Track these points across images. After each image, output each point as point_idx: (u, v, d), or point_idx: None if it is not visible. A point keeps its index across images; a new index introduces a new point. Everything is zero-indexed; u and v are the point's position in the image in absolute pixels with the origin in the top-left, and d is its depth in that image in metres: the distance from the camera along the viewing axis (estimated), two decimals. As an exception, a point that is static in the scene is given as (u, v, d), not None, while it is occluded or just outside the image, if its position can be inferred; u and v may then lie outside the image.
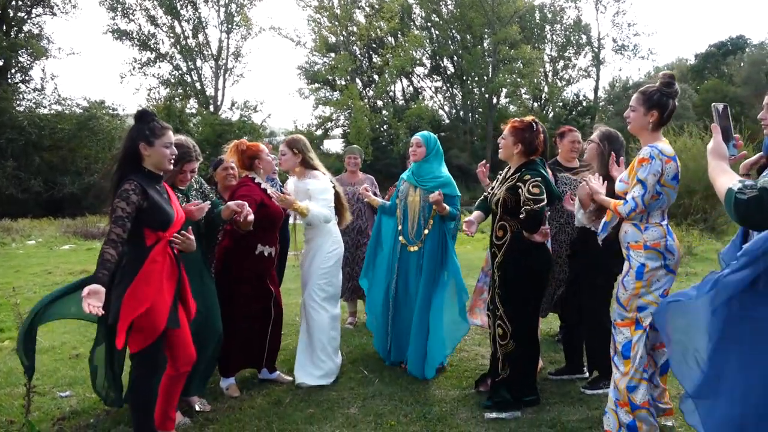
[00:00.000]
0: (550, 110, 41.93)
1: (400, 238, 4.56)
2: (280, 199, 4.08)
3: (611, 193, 3.59)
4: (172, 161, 3.09)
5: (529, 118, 3.77)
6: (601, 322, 3.93)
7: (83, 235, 17.15)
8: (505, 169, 3.89)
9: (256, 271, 4.11)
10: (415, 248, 4.47)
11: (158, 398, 3.19)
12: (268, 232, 4.12)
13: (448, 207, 4.29)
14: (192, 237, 3.20)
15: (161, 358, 3.09)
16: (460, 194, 4.59)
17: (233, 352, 4.10)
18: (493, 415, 3.62)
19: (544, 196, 3.54)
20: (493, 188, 3.95)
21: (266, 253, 4.13)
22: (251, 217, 3.64)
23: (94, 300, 2.61)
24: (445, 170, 4.55)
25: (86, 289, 2.62)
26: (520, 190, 3.59)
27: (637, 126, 3.18)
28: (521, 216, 3.55)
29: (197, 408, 3.79)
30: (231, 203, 3.60)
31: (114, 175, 3.00)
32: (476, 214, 4.02)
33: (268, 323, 4.22)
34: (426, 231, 4.43)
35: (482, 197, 4.13)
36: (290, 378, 4.34)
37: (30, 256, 12.93)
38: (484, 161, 4.67)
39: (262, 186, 4.16)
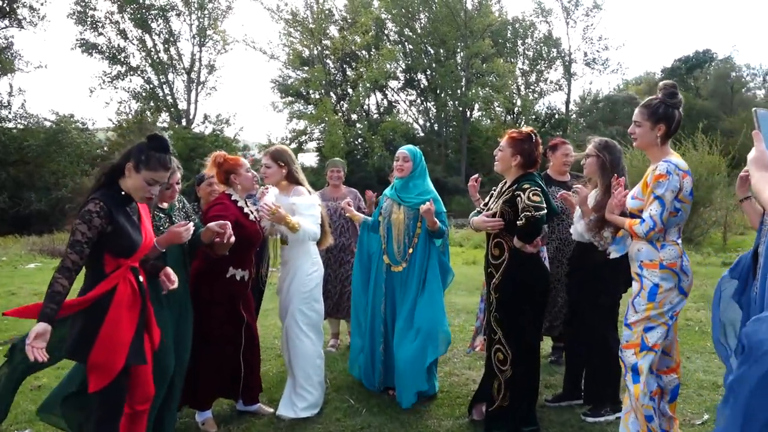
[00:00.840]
0: (522, 123, 42.20)
1: (385, 257, 4.32)
2: (271, 212, 3.72)
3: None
4: (148, 198, 2.80)
5: (527, 129, 3.57)
6: (605, 345, 3.72)
7: (50, 253, 16.58)
8: (500, 184, 3.69)
9: (227, 293, 3.77)
10: (400, 268, 4.23)
11: None
12: (241, 255, 3.76)
13: (438, 222, 4.07)
14: (174, 280, 3.02)
15: (123, 399, 2.76)
16: (445, 210, 4.36)
17: (204, 382, 3.75)
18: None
19: (545, 205, 3.32)
20: (486, 204, 3.75)
21: (238, 277, 3.79)
22: (233, 239, 3.36)
23: (39, 342, 2.36)
24: (430, 185, 4.34)
25: (32, 332, 2.37)
26: (518, 199, 3.36)
27: (645, 142, 3.03)
28: (519, 222, 3.29)
29: None
30: (212, 224, 3.31)
31: (93, 184, 2.76)
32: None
33: (240, 349, 3.88)
34: (410, 250, 4.20)
35: (476, 210, 3.92)
36: (271, 410, 4.05)
37: (-7, 277, 12.39)
38: (476, 175, 4.46)
39: (239, 204, 3.85)
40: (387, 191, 4.46)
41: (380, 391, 4.37)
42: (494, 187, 3.79)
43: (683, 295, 3.01)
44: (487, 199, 3.79)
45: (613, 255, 3.22)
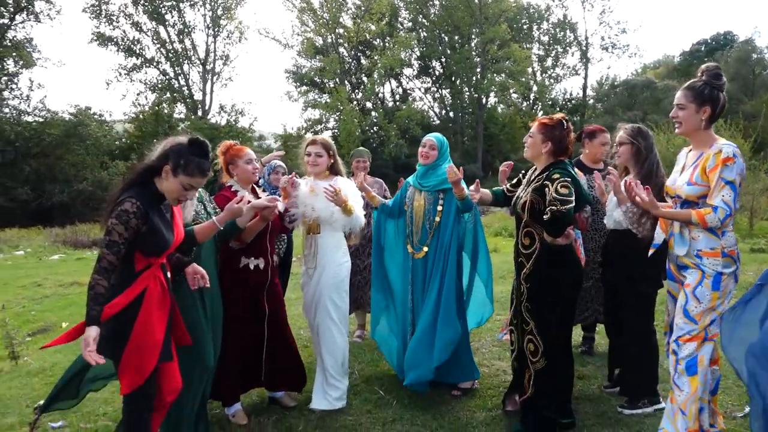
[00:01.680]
0: (539, 109, 41.82)
1: (408, 247, 4.26)
2: (334, 194, 3.75)
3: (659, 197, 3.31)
4: (180, 201, 2.79)
5: (558, 115, 3.44)
6: (645, 336, 3.67)
7: (73, 245, 16.81)
8: (530, 171, 3.59)
9: (242, 283, 3.72)
10: (421, 255, 4.16)
11: None
12: (251, 244, 3.71)
13: (465, 189, 3.84)
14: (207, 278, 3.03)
15: (153, 396, 2.75)
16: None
17: (226, 376, 3.72)
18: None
19: (573, 198, 3.17)
20: (511, 190, 3.68)
21: (252, 266, 3.74)
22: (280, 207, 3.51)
23: (93, 345, 2.41)
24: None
25: (85, 340, 2.40)
26: (546, 189, 3.24)
27: (690, 126, 2.93)
28: (545, 217, 3.17)
29: None
30: (258, 201, 3.42)
31: (123, 182, 2.72)
32: (485, 191, 3.83)
33: (262, 344, 3.84)
34: (431, 234, 4.12)
35: (501, 188, 3.86)
36: (295, 402, 4.03)
37: (18, 267, 12.56)
38: (508, 161, 4.36)
39: (239, 195, 3.70)
40: (410, 179, 4.38)
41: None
42: (522, 171, 3.72)
43: (736, 282, 2.95)
44: (512, 183, 3.72)
45: (681, 251, 3.00)
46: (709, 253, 2.88)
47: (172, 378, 2.87)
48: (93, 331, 2.42)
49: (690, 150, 3.09)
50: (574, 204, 3.15)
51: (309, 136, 4.27)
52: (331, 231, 4.02)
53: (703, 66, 2.95)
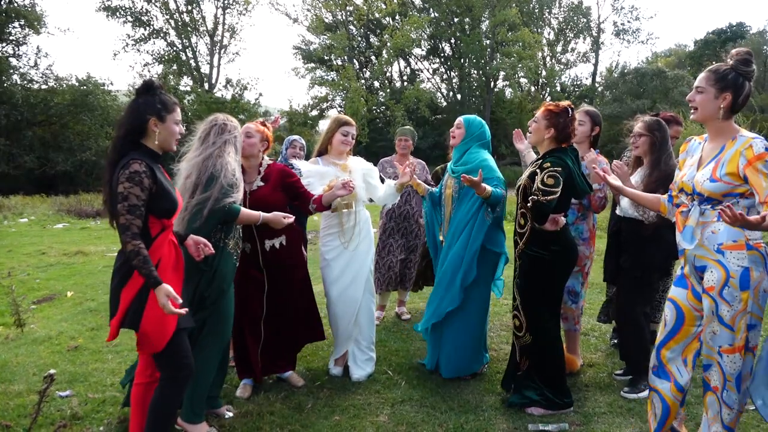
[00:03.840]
0: (547, 94, 41.52)
1: (440, 235, 4.21)
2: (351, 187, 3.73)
3: (652, 188, 3.41)
4: (178, 141, 2.79)
5: (564, 102, 3.47)
6: (632, 318, 3.79)
7: (77, 214, 16.79)
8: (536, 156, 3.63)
9: (269, 265, 3.75)
10: None
11: (137, 409, 2.84)
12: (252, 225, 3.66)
13: (488, 187, 3.70)
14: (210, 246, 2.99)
15: (186, 357, 2.72)
16: (502, 177, 3.98)
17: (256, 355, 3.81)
18: (539, 427, 3.33)
19: (558, 189, 3.17)
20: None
21: (277, 245, 3.74)
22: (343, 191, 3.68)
23: (172, 301, 2.48)
24: (485, 155, 3.99)
25: (160, 302, 2.47)
26: (536, 176, 3.30)
27: (706, 112, 2.65)
28: (528, 204, 3.26)
29: (228, 416, 3.49)
30: (337, 190, 3.66)
31: (112, 153, 2.64)
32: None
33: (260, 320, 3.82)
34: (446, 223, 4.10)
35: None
36: (303, 381, 4.01)
37: (23, 235, 12.54)
38: (518, 130, 4.34)
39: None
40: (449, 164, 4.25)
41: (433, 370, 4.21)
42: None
43: None
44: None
45: (690, 246, 2.66)
46: (732, 246, 2.53)
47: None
48: (164, 289, 2.46)
49: (706, 142, 2.80)
50: (557, 195, 3.17)
51: (334, 113, 4.25)
52: (361, 206, 4.13)
53: (734, 50, 2.68)
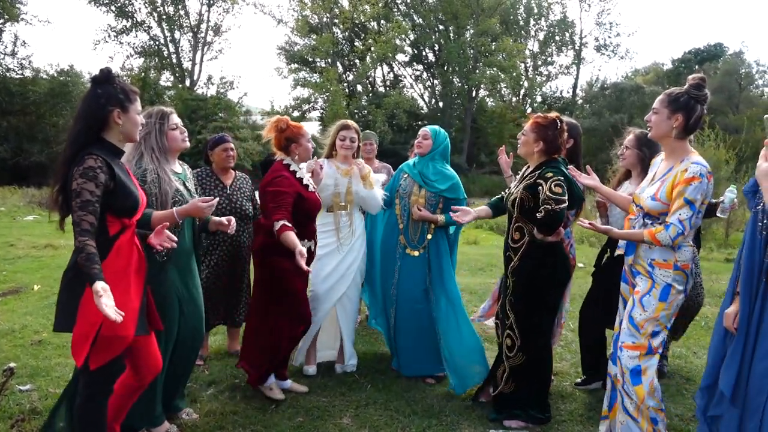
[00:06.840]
0: (528, 105, 41.89)
1: (401, 238, 4.20)
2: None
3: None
4: (140, 131, 2.68)
5: (553, 114, 3.43)
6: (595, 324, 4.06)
7: (48, 207, 16.48)
8: (524, 168, 3.59)
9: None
10: (417, 253, 4.13)
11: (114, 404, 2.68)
12: (304, 227, 3.67)
13: (440, 217, 4.07)
14: (175, 239, 2.79)
15: (119, 373, 2.60)
16: (466, 197, 4.29)
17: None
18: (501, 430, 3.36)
19: (566, 197, 3.18)
20: (509, 189, 3.68)
21: (305, 248, 3.54)
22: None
23: (109, 301, 2.12)
24: (450, 170, 4.24)
25: (96, 297, 2.12)
26: (540, 188, 3.24)
27: (660, 131, 2.93)
28: (538, 214, 3.18)
29: (185, 417, 3.43)
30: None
31: (68, 147, 2.44)
32: (481, 208, 3.84)
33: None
34: (429, 236, 4.13)
35: (499, 196, 3.86)
36: (305, 388, 3.95)
37: (-10, 226, 12.32)
38: (503, 147, 4.37)
39: (298, 175, 3.72)
40: (405, 166, 4.32)
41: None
42: (519, 170, 3.70)
43: (685, 297, 2.95)
44: (513, 184, 3.72)
45: (628, 258, 3.14)
46: (662, 264, 2.88)
47: (153, 358, 2.75)
48: (100, 286, 2.15)
49: (662, 160, 3.06)
50: (567, 203, 3.17)
51: (346, 121, 4.30)
52: (356, 207, 4.25)
53: (690, 76, 2.93)
